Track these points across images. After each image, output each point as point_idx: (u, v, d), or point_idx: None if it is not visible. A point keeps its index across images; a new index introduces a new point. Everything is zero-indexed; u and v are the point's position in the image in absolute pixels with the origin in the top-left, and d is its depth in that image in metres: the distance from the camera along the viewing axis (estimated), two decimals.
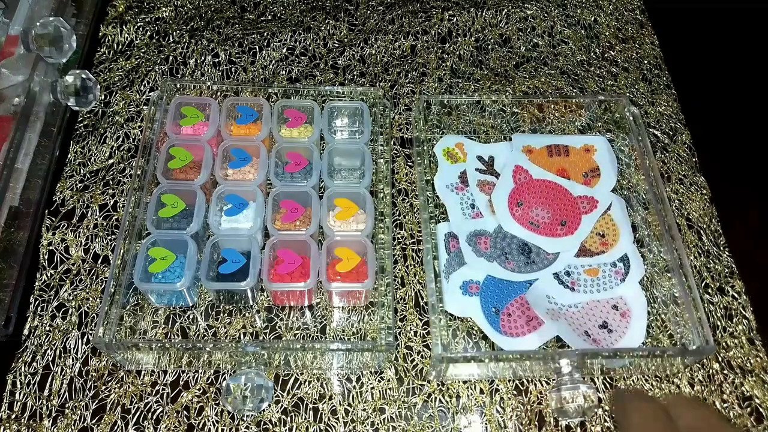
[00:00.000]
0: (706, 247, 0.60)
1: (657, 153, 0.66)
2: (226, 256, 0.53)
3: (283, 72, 0.70)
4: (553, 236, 0.57)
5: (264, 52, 0.72)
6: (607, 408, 0.51)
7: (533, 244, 0.57)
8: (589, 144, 0.64)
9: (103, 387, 0.51)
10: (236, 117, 0.61)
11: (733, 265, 0.59)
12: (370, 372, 0.52)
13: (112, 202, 0.60)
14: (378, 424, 0.50)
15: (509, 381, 0.52)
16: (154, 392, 0.51)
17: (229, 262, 0.53)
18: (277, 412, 0.50)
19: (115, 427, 0.49)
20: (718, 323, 0.56)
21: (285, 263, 0.52)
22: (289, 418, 0.50)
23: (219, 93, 0.63)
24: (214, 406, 0.50)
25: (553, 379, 0.52)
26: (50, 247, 0.57)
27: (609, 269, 0.57)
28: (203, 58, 0.71)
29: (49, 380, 0.51)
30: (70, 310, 0.54)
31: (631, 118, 0.63)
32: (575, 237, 0.57)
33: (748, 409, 0.52)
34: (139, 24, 0.73)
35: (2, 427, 0.49)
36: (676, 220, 0.61)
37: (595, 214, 0.59)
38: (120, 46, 0.72)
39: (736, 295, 0.58)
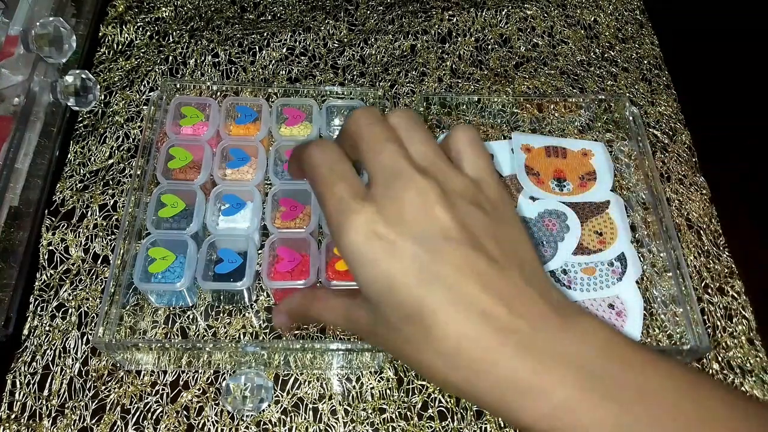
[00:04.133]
0: (706, 247, 0.60)
1: (657, 153, 0.66)
2: (223, 256, 0.53)
3: (283, 72, 0.70)
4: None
5: (264, 52, 0.72)
6: None
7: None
8: (587, 149, 0.64)
9: (103, 387, 0.51)
10: (235, 117, 0.61)
11: (733, 265, 0.59)
12: (370, 372, 0.52)
13: (112, 202, 0.60)
14: (378, 424, 0.50)
15: None
16: (153, 392, 0.51)
17: (226, 262, 0.53)
18: (277, 412, 0.50)
19: (115, 427, 0.49)
20: (718, 323, 0.56)
21: (285, 261, 0.52)
22: (288, 418, 0.50)
23: (219, 93, 0.63)
24: (214, 406, 0.50)
25: None
26: (50, 247, 0.57)
27: (606, 268, 0.57)
28: (203, 58, 0.71)
29: (49, 380, 0.51)
30: (70, 310, 0.54)
31: (630, 118, 0.63)
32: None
33: None
34: (139, 24, 0.73)
35: (2, 427, 0.49)
36: (676, 220, 0.61)
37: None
38: (120, 46, 0.72)
39: (736, 295, 0.58)
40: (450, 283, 0.27)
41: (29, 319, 0.54)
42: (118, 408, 0.50)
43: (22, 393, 0.50)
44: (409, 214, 0.28)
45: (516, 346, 0.26)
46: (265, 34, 0.73)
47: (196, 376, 0.52)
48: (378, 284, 0.28)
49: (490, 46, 0.74)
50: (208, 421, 0.50)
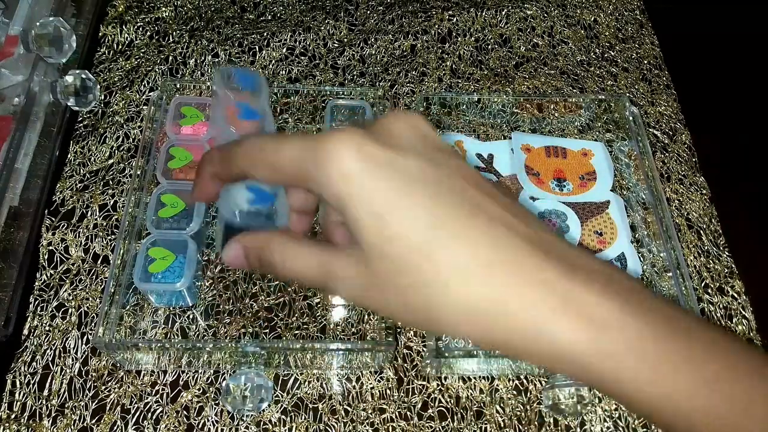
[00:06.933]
0: (706, 247, 0.60)
1: (657, 153, 0.66)
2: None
3: (283, 72, 0.70)
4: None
5: (264, 52, 0.72)
6: (606, 408, 0.51)
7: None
8: (587, 148, 0.64)
9: (103, 387, 0.51)
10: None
11: (733, 265, 0.59)
12: (370, 372, 0.52)
13: (112, 202, 0.60)
14: (378, 424, 0.50)
15: (509, 381, 0.52)
16: (153, 392, 0.51)
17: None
18: (277, 412, 0.50)
19: (115, 427, 0.49)
20: (718, 323, 0.56)
21: None
22: (288, 418, 0.50)
23: None
24: (214, 406, 0.50)
25: (550, 377, 0.52)
26: (50, 247, 0.57)
27: None
28: (203, 58, 0.71)
29: (49, 380, 0.51)
30: (70, 310, 0.54)
31: (630, 118, 0.63)
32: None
33: None
34: (139, 24, 0.73)
35: (2, 427, 0.49)
36: (676, 220, 0.61)
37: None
38: (120, 46, 0.72)
39: (736, 295, 0.58)
40: (463, 197, 0.24)
41: (29, 319, 0.54)
42: (118, 408, 0.50)
43: (22, 393, 0.50)
44: (400, 132, 0.25)
45: (552, 273, 0.23)
46: (265, 34, 0.73)
47: (196, 376, 0.52)
48: (379, 216, 0.23)
49: (490, 46, 0.74)
50: (208, 421, 0.50)
